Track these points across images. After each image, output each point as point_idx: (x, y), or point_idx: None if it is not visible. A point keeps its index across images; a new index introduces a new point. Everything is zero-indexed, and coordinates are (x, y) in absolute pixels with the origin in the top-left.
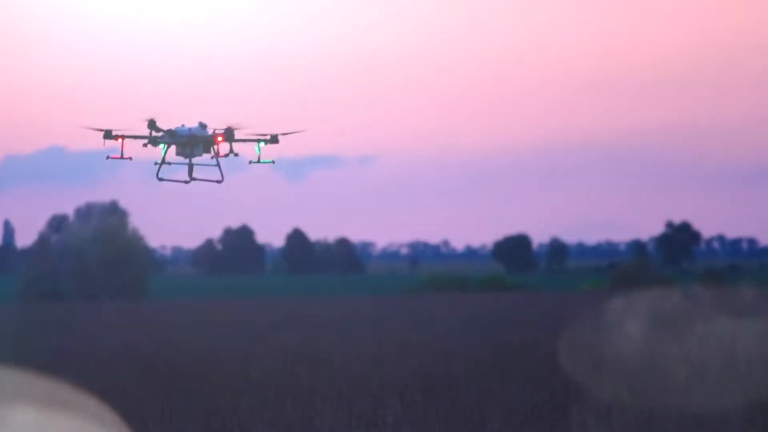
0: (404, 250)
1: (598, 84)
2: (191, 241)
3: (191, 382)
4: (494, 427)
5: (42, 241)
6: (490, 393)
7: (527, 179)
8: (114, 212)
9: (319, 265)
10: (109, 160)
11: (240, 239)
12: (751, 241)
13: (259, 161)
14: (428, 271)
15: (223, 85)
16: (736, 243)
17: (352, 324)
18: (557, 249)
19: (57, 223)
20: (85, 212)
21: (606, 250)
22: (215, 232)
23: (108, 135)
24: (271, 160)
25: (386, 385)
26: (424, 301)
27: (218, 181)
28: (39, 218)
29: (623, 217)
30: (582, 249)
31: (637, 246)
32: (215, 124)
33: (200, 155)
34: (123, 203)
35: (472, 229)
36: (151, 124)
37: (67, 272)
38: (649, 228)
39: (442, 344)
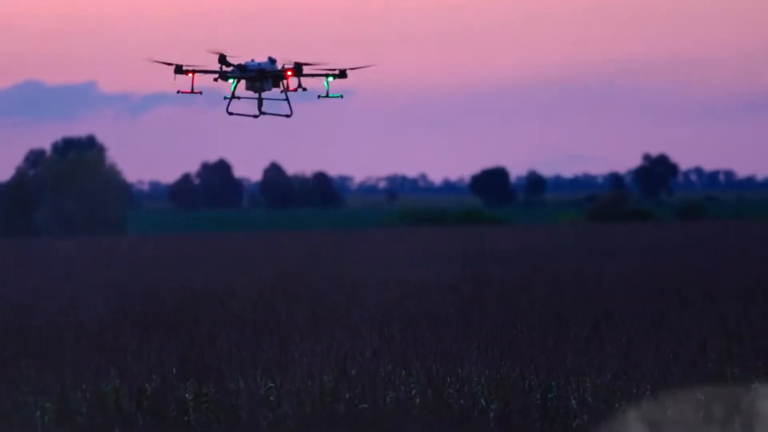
0: (382, 184)
1: (573, 17)
2: (168, 175)
3: (169, 316)
4: (473, 361)
5: (19, 175)
6: (469, 326)
7: (504, 112)
8: (91, 147)
9: (297, 199)
10: (180, 94)
11: (217, 174)
12: (728, 174)
13: (327, 95)
14: (406, 204)
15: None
16: (713, 175)
17: (330, 258)
18: (535, 182)
19: (34, 157)
20: (63, 147)
21: (583, 182)
22: (193, 167)
23: (179, 69)
24: (339, 94)
25: (364, 319)
26: (402, 234)
27: (287, 116)
28: (16, 153)
29: (600, 149)
30: (560, 182)
31: (614, 178)
32: (283, 60)
33: (269, 90)
34: (100, 138)
35: (450, 162)
36: (222, 59)
37: (44, 207)
38: (626, 160)
39: (419, 278)
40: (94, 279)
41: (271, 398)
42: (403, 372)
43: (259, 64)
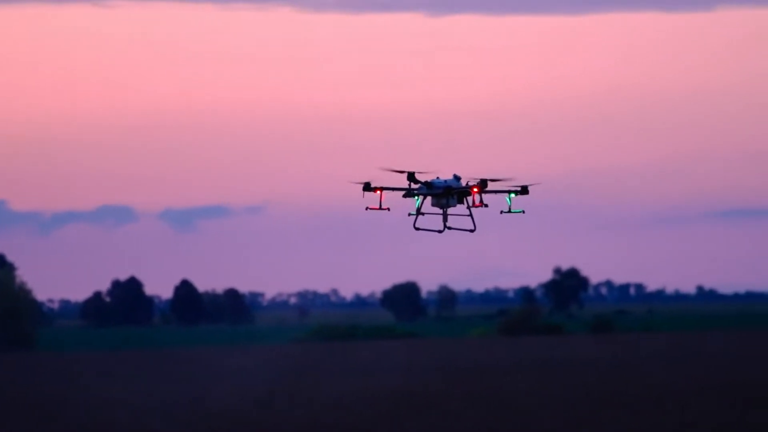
0: (293, 300)
1: (483, 127)
2: (79, 293)
3: None
4: None
5: None
6: None
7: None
8: (1, 266)
9: (208, 315)
10: (368, 211)
11: (128, 291)
12: (639, 287)
13: (510, 211)
14: (317, 320)
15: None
16: (623, 288)
17: (241, 375)
18: (446, 296)
19: None
20: None
21: (495, 296)
22: (104, 285)
23: (367, 187)
24: (521, 209)
25: None
26: (313, 350)
27: (471, 230)
28: None
29: (511, 264)
30: (471, 296)
31: (525, 292)
32: (467, 177)
33: (454, 206)
34: (10, 257)
35: (361, 277)
36: (411, 177)
37: None
38: (537, 274)
39: (330, 394)
40: (4, 398)
41: None
42: None
43: (446, 181)
